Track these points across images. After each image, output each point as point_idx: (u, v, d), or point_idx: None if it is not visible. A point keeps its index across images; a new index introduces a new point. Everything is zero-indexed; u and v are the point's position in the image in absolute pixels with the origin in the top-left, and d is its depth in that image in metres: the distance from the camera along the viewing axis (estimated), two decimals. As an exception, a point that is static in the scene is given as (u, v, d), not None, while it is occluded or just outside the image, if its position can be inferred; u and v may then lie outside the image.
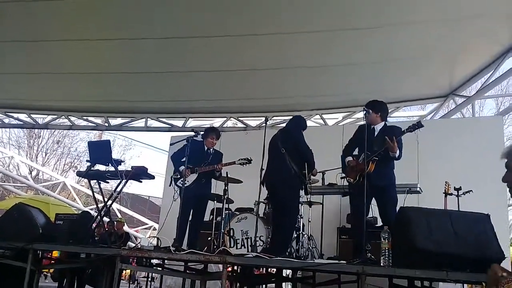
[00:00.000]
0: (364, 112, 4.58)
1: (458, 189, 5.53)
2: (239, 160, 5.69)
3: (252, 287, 5.89)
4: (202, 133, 5.93)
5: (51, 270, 8.03)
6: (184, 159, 5.61)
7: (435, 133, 7.14)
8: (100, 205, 5.87)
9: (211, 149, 5.94)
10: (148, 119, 10.82)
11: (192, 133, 5.66)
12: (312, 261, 4.51)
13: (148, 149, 39.17)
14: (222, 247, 4.82)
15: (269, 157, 5.04)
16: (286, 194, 5.01)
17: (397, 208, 4.24)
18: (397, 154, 4.38)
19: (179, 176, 5.71)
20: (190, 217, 5.70)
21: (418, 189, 5.50)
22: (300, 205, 5.90)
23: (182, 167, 5.64)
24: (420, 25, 6.29)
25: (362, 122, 4.71)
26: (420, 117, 9.21)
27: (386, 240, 3.63)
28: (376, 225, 5.19)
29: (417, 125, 4.30)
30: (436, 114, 8.92)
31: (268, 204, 6.03)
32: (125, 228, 14.05)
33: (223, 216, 5.77)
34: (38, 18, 6.59)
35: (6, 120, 11.85)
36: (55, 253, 6.41)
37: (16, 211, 5.52)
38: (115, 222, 8.24)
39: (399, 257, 3.59)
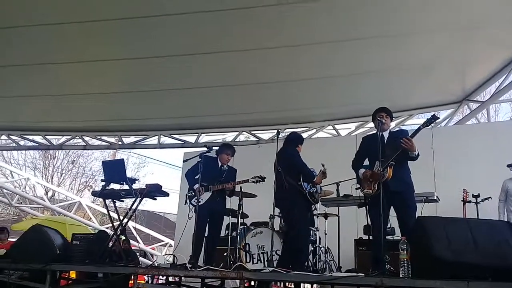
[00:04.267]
0: (379, 119, 4.53)
1: (476, 196, 5.45)
2: (252, 178, 5.65)
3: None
4: (215, 148, 5.93)
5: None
6: (198, 176, 5.64)
7: (450, 140, 7.08)
8: (116, 224, 5.88)
9: (225, 166, 5.92)
10: (161, 136, 10.89)
11: (205, 149, 5.67)
12: (330, 275, 4.44)
13: (161, 166, 39.40)
14: (239, 263, 4.79)
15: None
16: (287, 209, 5.16)
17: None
18: (416, 153, 4.31)
19: (193, 194, 5.69)
20: (206, 233, 5.69)
21: (435, 197, 5.42)
22: (316, 217, 5.88)
23: (196, 185, 5.62)
24: (430, 33, 6.27)
25: (372, 132, 4.67)
26: (434, 123, 9.10)
27: (405, 251, 3.56)
28: (395, 236, 5.11)
29: (433, 118, 4.22)
30: (450, 121, 8.82)
31: (282, 218, 6.01)
32: (141, 245, 14.14)
33: (239, 231, 5.75)
34: (49, 41, 6.71)
35: (22, 142, 12.02)
36: (73, 274, 6.42)
37: (33, 233, 5.56)
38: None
39: (418, 268, 3.52)
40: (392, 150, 4.32)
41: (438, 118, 4.22)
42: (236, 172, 5.94)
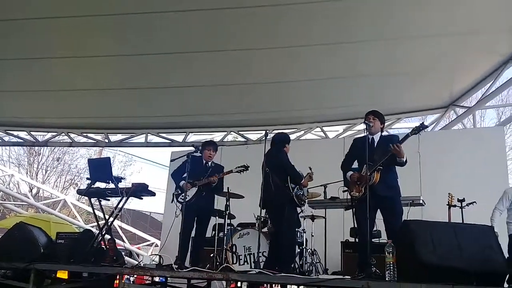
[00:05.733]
0: (367, 122, 4.56)
1: (461, 201, 5.50)
2: (236, 168, 5.67)
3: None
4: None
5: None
6: (184, 175, 5.62)
7: (436, 145, 7.16)
8: (101, 222, 5.83)
9: (211, 163, 5.90)
10: (148, 134, 10.81)
11: (193, 149, 5.66)
12: (316, 277, 4.46)
13: (148, 164, 39.13)
14: (225, 264, 4.78)
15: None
16: (274, 211, 5.19)
17: (402, 220, 4.21)
18: (404, 159, 4.35)
19: (180, 192, 5.67)
20: (193, 232, 5.66)
21: (421, 201, 5.47)
22: (303, 219, 5.90)
23: (182, 182, 5.64)
24: (420, 39, 6.33)
25: (362, 135, 4.69)
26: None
27: (391, 254, 3.59)
28: (381, 239, 5.14)
29: (422, 127, 4.26)
30: (437, 125, 8.92)
31: (270, 219, 6.01)
32: (127, 245, 14.04)
33: (225, 232, 5.73)
34: (37, 35, 6.62)
35: (6, 138, 11.83)
36: (60, 274, 6.36)
37: (17, 231, 5.51)
38: None
39: (404, 271, 3.55)
40: (381, 154, 4.36)
41: (427, 126, 4.28)
42: (223, 169, 5.90)
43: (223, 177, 5.79)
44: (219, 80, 7.84)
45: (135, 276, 5.87)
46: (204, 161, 5.86)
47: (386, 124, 5.35)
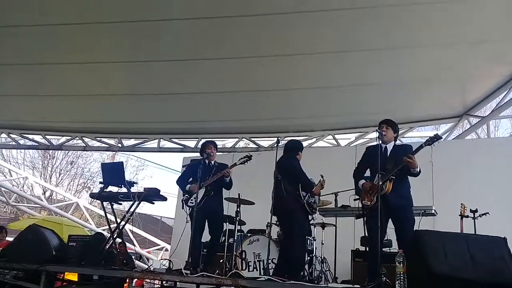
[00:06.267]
0: (379, 131, 4.55)
1: (474, 212, 5.44)
2: (239, 160, 5.64)
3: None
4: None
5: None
6: (190, 179, 5.65)
7: (449, 154, 7.09)
8: (113, 226, 5.88)
9: (214, 162, 5.84)
10: (161, 140, 10.89)
11: (205, 155, 5.70)
12: (325, 285, 4.43)
13: (160, 169, 39.36)
14: (234, 270, 4.78)
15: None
16: (284, 218, 5.17)
17: (414, 231, 4.17)
18: (418, 169, 4.33)
19: (188, 196, 5.65)
20: (207, 236, 5.65)
21: (433, 211, 5.42)
22: (313, 227, 5.88)
23: (188, 185, 5.65)
24: (433, 48, 6.30)
25: (375, 143, 4.67)
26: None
27: (401, 264, 3.55)
28: (392, 248, 5.11)
29: (435, 138, 4.25)
30: (450, 135, 8.84)
31: (280, 226, 6.00)
32: (137, 249, 14.09)
33: (235, 238, 5.74)
34: (53, 41, 6.73)
35: (22, 141, 12.00)
36: (70, 276, 6.41)
37: (30, 233, 5.57)
38: None
39: (414, 281, 3.52)
40: (393, 164, 4.34)
41: (441, 137, 4.27)
42: (226, 166, 5.77)
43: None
44: (231, 87, 7.88)
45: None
46: (207, 162, 5.77)
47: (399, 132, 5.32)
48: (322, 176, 5.30)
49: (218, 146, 6.32)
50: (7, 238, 7.89)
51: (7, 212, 22.90)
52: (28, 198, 15.45)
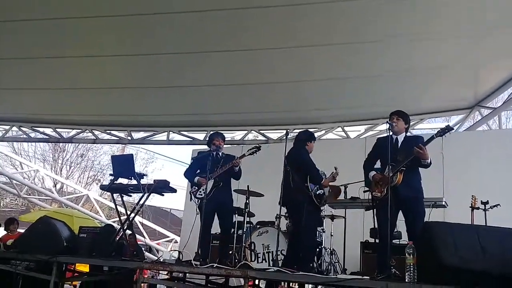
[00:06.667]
0: (390, 122, 4.51)
1: (485, 203, 5.38)
2: (248, 151, 5.63)
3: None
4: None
5: (74, 283, 8.12)
6: (198, 171, 5.65)
7: (460, 146, 7.03)
8: (123, 218, 5.91)
9: (222, 153, 5.83)
10: (170, 132, 10.92)
11: (214, 147, 5.70)
12: (335, 276, 4.43)
13: (170, 162, 39.50)
14: (244, 261, 4.79)
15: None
16: (293, 210, 5.16)
17: (425, 223, 4.14)
18: (428, 161, 4.29)
19: (197, 188, 5.66)
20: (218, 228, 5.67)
21: (443, 203, 5.37)
22: (322, 218, 5.87)
23: (197, 178, 5.64)
24: (444, 38, 6.23)
25: (386, 134, 4.63)
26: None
27: (411, 255, 3.54)
28: (401, 240, 5.08)
29: (447, 129, 4.21)
30: (461, 126, 8.74)
31: (289, 218, 6.00)
32: (147, 240, 14.22)
33: (244, 230, 5.75)
34: (62, 35, 6.77)
35: (32, 135, 12.11)
36: (81, 267, 6.48)
37: (41, 224, 5.62)
38: None
39: (424, 273, 3.50)
40: (404, 155, 4.30)
41: (452, 129, 4.22)
42: (234, 158, 5.73)
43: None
44: (240, 79, 7.87)
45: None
46: (215, 153, 5.75)
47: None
48: (335, 168, 5.23)
49: (226, 139, 6.33)
50: (19, 230, 7.98)
51: (19, 204, 23.19)
52: (39, 190, 15.64)
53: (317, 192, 5.16)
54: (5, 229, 7.87)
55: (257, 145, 5.67)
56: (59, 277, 5.02)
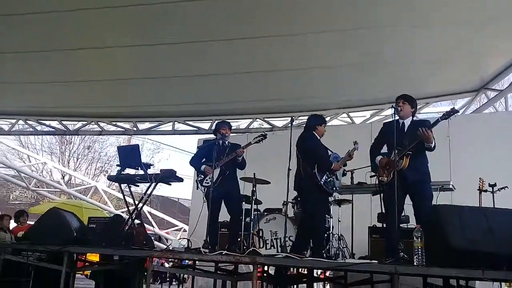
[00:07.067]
0: (395, 106, 4.48)
1: (492, 186, 5.37)
2: (254, 139, 5.63)
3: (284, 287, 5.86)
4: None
5: (86, 272, 8.22)
6: (203, 160, 5.67)
7: (467, 128, 7.00)
8: (131, 208, 5.96)
9: (227, 142, 5.81)
10: (175, 122, 10.94)
11: (220, 136, 5.71)
12: (343, 261, 4.45)
13: (176, 152, 39.62)
14: (252, 248, 4.82)
15: None
16: (303, 198, 5.21)
17: (433, 206, 4.14)
18: (432, 144, 4.26)
19: (203, 177, 5.68)
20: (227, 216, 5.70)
21: (450, 186, 5.36)
22: (329, 204, 5.87)
23: (203, 166, 5.66)
24: (450, 23, 6.18)
25: (391, 119, 4.61)
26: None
27: (419, 239, 3.54)
28: (409, 224, 5.09)
29: (452, 111, 4.17)
30: (467, 109, 8.69)
31: (296, 205, 6.02)
32: (156, 230, 14.36)
33: (252, 217, 5.78)
34: (65, 27, 6.78)
35: (39, 128, 12.19)
36: (92, 257, 6.55)
37: (51, 216, 5.69)
38: None
39: (432, 256, 3.51)
40: (411, 139, 4.28)
41: (458, 111, 4.17)
42: (240, 146, 5.75)
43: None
44: (244, 67, 7.84)
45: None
46: (221, 142, 5.74)
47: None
48: (354, 143, 5.10)
49: (232, 127, 6.34)
50: (28, 222, 8.07)
51: (28, 197, 23.43)
52: (48, 182, 15.78)
53: (328, 180, 5.03)
54: (15, 221, 7.94)
55: (263, 133, 5.67)
56: (70, 267, 5.08)
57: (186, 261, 6.38)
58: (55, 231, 5.35)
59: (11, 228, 7.58)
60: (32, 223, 7.38)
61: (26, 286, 5.69)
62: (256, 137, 5.63)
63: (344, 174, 5.48)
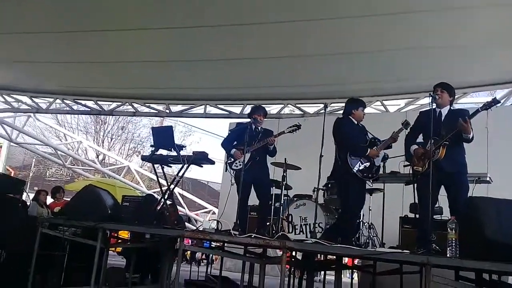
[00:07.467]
0: (433, 94, 4.36)
1: (531, 180, 5.21)
2: (287, 128, 5.60)
3: (312, 273, 5.89)
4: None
5: (118, 249, 8.47)
6: (235, 143, 5.69)
7: (506, 120, 6.79)
8: (164, 189, 6.06)
9: (260, 128, 5.79)
10: (207, 105, 11.01)
11: (250, 120, 5.72)
12: (374, 250, 4.42)
13: (207, 135, 39.96)
14: (281, 233, 4.84)
15: None
16: (337, 185, 5.24)
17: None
18: (471, 135, 4.16)
19: (233, 160, 5.71)
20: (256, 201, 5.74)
21: (487, 178, 5.22)
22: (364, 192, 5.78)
23: (233, 150, 5.69)
24: (494, 8, 5.92)
25: (428, 108, 4.49)
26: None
27: (454, 230, 3.48)
28: (442, 216, 4.99)
29: (493, 102, 4.04)
30: (507, 100, 8.39)
31: (327, 191, 6.00)
32: (186, 211, 14.61)
33: (282, 202, 5.79)
34: (103, 8, 6.86)
35: (75, 107, 12.50)
36: (123, 234, 6.72)
37: (87, 193, 5.84)
38: None
39: (466, 248, 3.46)
40: (448, 129, 4.18)
41: (499, 102, 4.05)
42: (272, 133, 5.76)
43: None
44: (276, 52, 7.76)
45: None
46: (253, 127, 5.73)
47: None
48: (404, 124, 4.79)
49: (267, 114, 6.32)
50: (64, 198, 8.34)
51: (63, 174, 24.19)
52: (83, 161, 16.22)
53: (360, 168, 4.85)
54: (52, 197, 8.22)
55: (298, 123, 5.62)
56: (104, 243, 5.24)
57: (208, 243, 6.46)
58: (91, 207, 5.50)
59: (48, 203, 7.84)
60: (68, 199, 7.64)
61: (62, 260, 5.89)
62: (290, 127, 5.60)
63: (384, 159, 5.17)
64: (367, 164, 4.89)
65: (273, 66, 8.37)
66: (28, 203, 7.24)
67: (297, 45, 7.51)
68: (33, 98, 12.14)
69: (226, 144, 5.91)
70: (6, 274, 5.20)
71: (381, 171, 5.87)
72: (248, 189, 5.60)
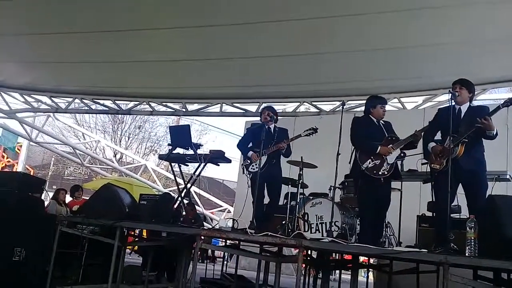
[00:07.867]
0: (452, 91, 4.30)
1: (552, 179, 5.10)
2: (304, 132, 5.62)
3: (327, 272, 5.87)
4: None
5: (135, 248, 8.55)
6: (250, 144, 5.71)
7: (527, 117, 6.64)
8: (181, 187, 6.10)
9: (274, 127, 5.84)
10: (223, 104, 11.04)
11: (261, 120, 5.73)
12: (391, 249, 4.38)
13: (223, 134, 40.05)
14: (297, 231, 4.83)
15: None
16: (354, 183, 5.17)
17: (487, 196, 3.99)
18: (494, 132, 4.10)
19: (249, 162, 5.74)
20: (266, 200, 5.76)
21: (508, 177, 5.12)
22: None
23: (250, 153, 5.71)
24: (510, 4, 5.79)
25: (447, 105, 4.42)
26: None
27: (472, 229, 3.43)
28: (461, 215, 4.91)
29: None
30: (528, 97, 8.21)
31: (343, 190, 5.97)
32: (202, 209, 14.66)
33: (298, 201, 5.78)
34: (119, 9, 6.94)
35: (93, 107, 12.67)
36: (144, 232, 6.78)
37: (105, 191, 5.93)
38: None
39: (486, 247, 3.40)
40: (467, 126, 4.11)
41: None
42: (287, 132, 5.84)
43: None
44: (292, 50, 7.73)
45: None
46: (266, 127, 5.75)
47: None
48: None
49: (278, 111, 6.33)
50: (83, 197, 8.44)
51: (82, 173, 24.54)
52: (101, 160, 16.44)
53: (370, 165, 4.77)
54: (70, 196, 8.33)
55: (314, 127, 5.66)
56: (121, 241, 5.30)
57: (218, 241, 6.52)
58: (109, 206, 5.58)
59: (66, 202, 7.95)
60: (86, 198, 7.74)
61: (80, 258, 5.98)
62: (307, 130, 5.64)
63: (400, 157, 4.98)
64: (377, 161, 4.80)
65: (290, 64, 8.33)
66: (47, 202, 7.35)
67: (314, 43, 7.46)
68: (52, 98, 12.34)
69: (242, 145, 5.94)
70: (25, 272, 5.29)
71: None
72: (263, 190, 5.66)
